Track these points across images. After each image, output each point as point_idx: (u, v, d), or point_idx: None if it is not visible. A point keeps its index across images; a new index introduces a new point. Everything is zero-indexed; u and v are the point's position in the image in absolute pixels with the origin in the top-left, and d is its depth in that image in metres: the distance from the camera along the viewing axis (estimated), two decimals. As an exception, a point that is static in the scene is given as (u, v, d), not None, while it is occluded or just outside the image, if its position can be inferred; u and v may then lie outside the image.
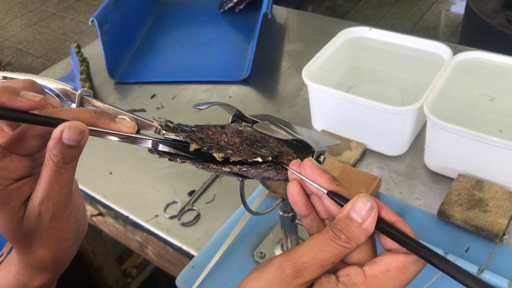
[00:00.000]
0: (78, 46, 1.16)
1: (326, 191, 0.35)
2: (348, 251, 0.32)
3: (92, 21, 1.08)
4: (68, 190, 0.35)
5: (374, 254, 0.34)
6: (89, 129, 0.35)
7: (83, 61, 1.12)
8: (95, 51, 1.24)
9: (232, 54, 1.16)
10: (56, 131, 0.33)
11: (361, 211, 0.32)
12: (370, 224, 0.32)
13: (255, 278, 0.33)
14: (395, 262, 0.32)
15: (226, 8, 1.30)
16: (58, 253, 0.37)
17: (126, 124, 0.38)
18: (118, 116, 0.43)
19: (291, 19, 1.32)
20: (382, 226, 0.33)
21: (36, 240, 0.36)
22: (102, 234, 1.42)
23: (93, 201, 0.88)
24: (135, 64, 1.17)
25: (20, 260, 0.38)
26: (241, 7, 1.29)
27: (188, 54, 1.19)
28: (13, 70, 3.17)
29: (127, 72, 1.15)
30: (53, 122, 0.34)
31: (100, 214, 0.90)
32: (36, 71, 2.98)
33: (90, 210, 0.92)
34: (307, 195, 0.37)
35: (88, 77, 1.09)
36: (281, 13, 1.34)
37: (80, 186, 0.88)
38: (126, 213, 0.83)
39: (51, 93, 0.45)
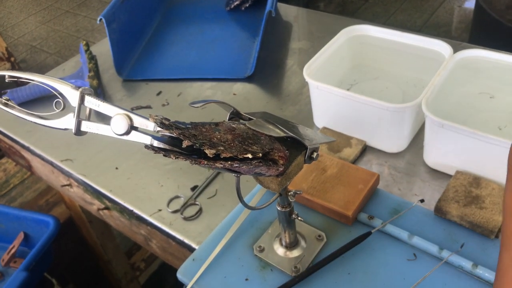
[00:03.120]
0: (87, 44, 1.18)
1: None
2: None
3: (100, 19, 1.10)
4: None
5: None
6: None
7: (92, 58, 1.14)
8: (103, 49, 1.27)
9: (237, 52, 1.17)
10: None
11: None
12: None
13: None
14: None
15: (232, 6, 1.31)
16: None
17: None
18: (117, 113, 0.45)
19: (298, 17, 1.33)
20: None
21: None
22: (111, 228, 1.45)
23: (100, 195, 0.90)
24: (142, 62, 1.19)
25: None
26: (247, 5, 1.30)
27: (193, 52, 1.20)
28: (27, 67, 3.23)
29: (134, 70, 1.17)
30: None
31: (107, 208, 0.93)
32: (49, 68, 3.03)
33: (96, 204, 0.95)
34: None
35: (96, 75, 1.12)
36: (288, 11, 1.35)
37: (87, 181, 0.91)
38: (130, 207, 0.85)
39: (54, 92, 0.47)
